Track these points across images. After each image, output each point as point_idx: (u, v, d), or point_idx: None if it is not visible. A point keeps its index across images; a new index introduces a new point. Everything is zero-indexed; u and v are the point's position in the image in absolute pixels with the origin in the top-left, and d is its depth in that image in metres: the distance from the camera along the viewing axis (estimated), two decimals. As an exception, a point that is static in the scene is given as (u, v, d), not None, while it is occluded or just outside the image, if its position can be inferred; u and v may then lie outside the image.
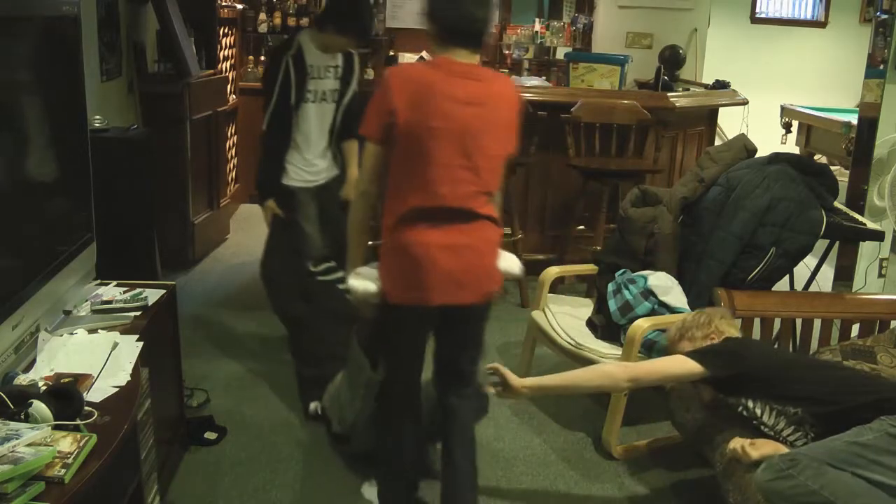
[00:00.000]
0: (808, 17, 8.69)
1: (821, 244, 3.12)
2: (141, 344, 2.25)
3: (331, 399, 2.90)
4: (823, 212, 2.99)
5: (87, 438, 1.73)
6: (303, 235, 3.21)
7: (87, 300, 2.50)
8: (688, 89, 5.57)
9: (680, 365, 2.33)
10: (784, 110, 6.96)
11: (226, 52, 5.83)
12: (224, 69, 5.74)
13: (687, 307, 3.02)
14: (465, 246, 2.20)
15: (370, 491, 2.68)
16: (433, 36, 2.23)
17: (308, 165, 3.23)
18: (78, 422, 1.81)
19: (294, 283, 3.24)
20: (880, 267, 3.91)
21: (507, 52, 7.08)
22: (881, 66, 3.80)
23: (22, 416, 1.76)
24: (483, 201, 2.22)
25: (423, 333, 2.34)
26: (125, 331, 2.33)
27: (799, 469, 1.94)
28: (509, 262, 2.36)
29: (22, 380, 1.96)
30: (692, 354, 2.35)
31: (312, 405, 3.12)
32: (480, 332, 2.42)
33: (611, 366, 2.66)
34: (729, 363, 2.30)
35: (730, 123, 7.29)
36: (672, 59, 6.23)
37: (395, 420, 2.39)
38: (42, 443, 1.68)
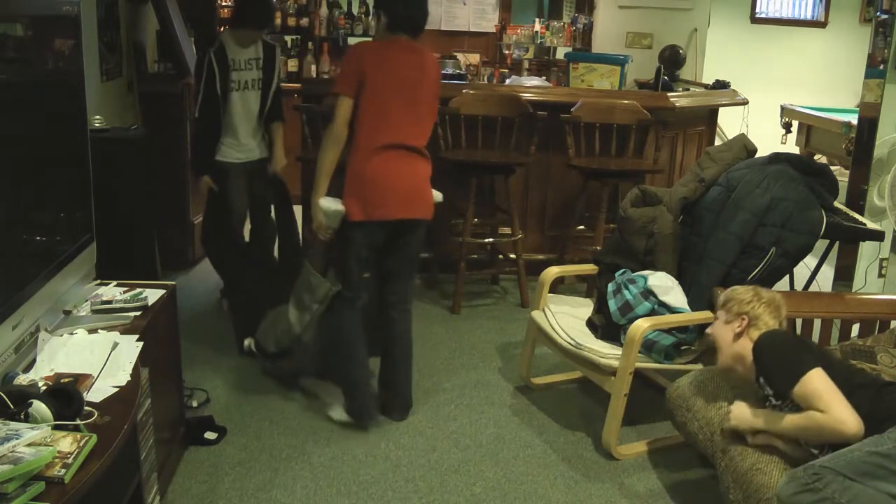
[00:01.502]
0: (808, 17, 8.68)
1: (821, 244, 3.12)
2: (141, 344, 2.25)
3: (264, 330, 3.43)
4: (823, 212, 2.99)
5: (87, 438, 1.73)
6: (231, 205, 3.80)
7: (87, 300, 2.50)
8: (688, 89, 5.57)
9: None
10: (784, 110, 6.96)
11: (226, 52, 5.82)
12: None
13: (687, 307, 3.02)
14: (413, 174, 2.98)
15: (336, 411, 3.14)
16: (384, 24, 2.96)
17: (238, 145, 3.77)
18: (78, 422, 1.81)
19: (227, 244, 3.78)
20: (880, 267, 3.90)
21: (507, 52, 7.07)
22: (881, 66, 3.79)
23: (22, 416, 1.76)
24: (423, 142, 3.00)
25: (374, 246, 3.00)
26: (125, 331, 2.33)
27: (824, 483, 1.91)
28: (435, 193, 3.09)
29: (22, 380, 1.96)
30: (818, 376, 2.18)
31: (246, 342, 3.58)
32: (419, 248, 3.13)
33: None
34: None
35: (730, 123, 7.30)
36: (672, 59, 6.23)
37: (352, 330, 3.04)
38: (42, 443, 1.68)
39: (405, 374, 3.20)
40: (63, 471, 1.62)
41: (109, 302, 2.49)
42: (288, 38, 6.70)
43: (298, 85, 5.57)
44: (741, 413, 2.33)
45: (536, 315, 3.34)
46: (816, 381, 2.14)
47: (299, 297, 3.18)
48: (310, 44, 6.69)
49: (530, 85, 5.11)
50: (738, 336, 2.42)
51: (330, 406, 3.17)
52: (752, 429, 2.29)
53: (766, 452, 2.24)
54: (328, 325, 3.09)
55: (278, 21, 6.56)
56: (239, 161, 3.78)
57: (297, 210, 4.21)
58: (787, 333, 2.50)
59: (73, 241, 2.42)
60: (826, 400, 2.10)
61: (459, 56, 6.95)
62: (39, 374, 2.02)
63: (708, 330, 2.64)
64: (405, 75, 2.92)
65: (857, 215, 3.31)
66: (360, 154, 2.89)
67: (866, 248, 3.87)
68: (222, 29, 4.93)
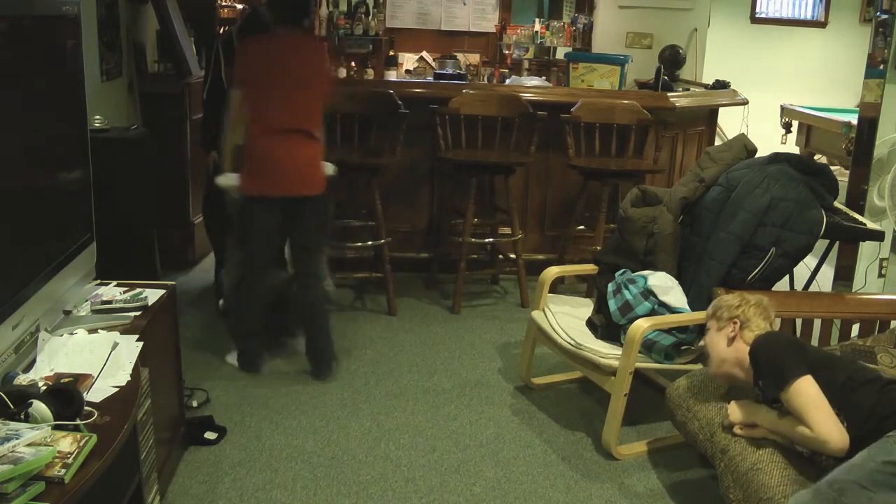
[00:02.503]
0: (808, 17, 8.68)
1: (821, 244, 3.12)
2: (141, 344, 2.25)
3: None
4: (823, 212, 2.99)
5: (87, 438, 1.73)
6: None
7: (87, 300, 2.50)
8: (688, 89, 5.56)
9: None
10: (784, 110, 6.96)
11: (226, 52, 5.82)
12: (224, 69, 5.73)
13: (687, 307, 3.02)
14: (298, 154, 3.29)
15: (231, 356, 3.59)
16: (271, 17, 3.35)
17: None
18: (78, 422, 1.81)
19: (225, 219, 3.78)
20: (880, 267, 3.90)
21: (507, 52, 7.07)
22: (881, 66, 3.79)
23: (22, 416, 1.76)
24: (310, 124, 3.32)
25: (271, 219, 3.32)
26: (125, 331, 2.33)
27: (849, 497, 1.90)
28: (327, 166, 3.42)
29: (22, 380, 1.96)
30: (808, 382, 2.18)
31: (221, 302, 3.95)
32: (320, 221, 3.44)
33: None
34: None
35: (730, 123, 7.30)
36: (672, 59, 6.23)
37: (252, 286, 3.44)
38: (42, 443, 1.68)
39: (325, 340, 3.52)
40: (63, 471, 1.62)
41: (109, 302, 2.49)
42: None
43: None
44: (739, 407, 2.36)
45: (536, 315, 3.34)
46: (803, 392, 2.14)
47: (230, 259, 3.58)
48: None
49: (530, 85, 5.11)
50: (731, 340, 2.45)
51: (229, 352, 3.62)
52: (749, 422, 2.31)
53: (760, 445, 2.25)
54: (237, 284, 3.52)
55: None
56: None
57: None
58: (781, 335, 2.51)
59: (73, 241, 2.42)
60: (811, 413, 2.11)
61: (459, 56, 6.95)
62: (39, 374, 2.02)
63: (700, 342, 2.65)
64: (286, 65, 3.26)
65: (857, 215, 3.31)
66: (249, 137, 3.27)
67: (866, 248, 3.86)
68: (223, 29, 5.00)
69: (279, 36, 3.31)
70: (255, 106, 3.26)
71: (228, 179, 3.32)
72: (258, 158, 3.25)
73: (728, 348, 2.44)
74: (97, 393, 1.98)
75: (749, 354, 2.33)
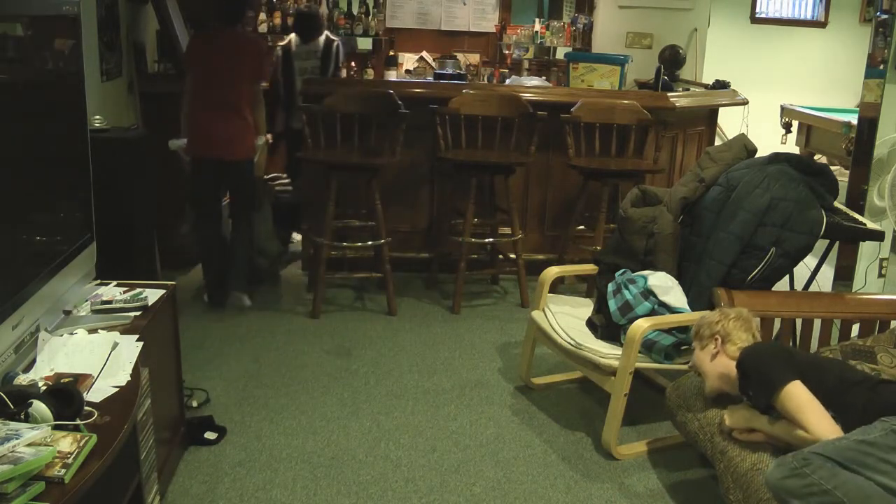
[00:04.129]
0: (808, 17, 8.68)
1: (821, 244, 3.12)
2: (141, 344, 2.25)
3: None
4: (823, 212, 2.98)
5: (87, 438, 1.73)
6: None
7: (87, 300, 2.50)
8: (688, 89, 5.57)
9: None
10: (784, 110, 6.96)
11: (226, 52, 5.83)
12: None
13: (687, 307, 3.02)
14: (226, 126, 4.06)
15: (206, 295, 4.30)
16: (212, 15, 4.23)
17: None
18: (78, 422, 1.81)
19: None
20: (880, 267, 3.90)
21: (507, 52, 7.07)
22: (881, 66, 3.79)
23: (22, 416, 1.76)
24: (239, 104, 4.07)
25: (206, 176, 4.14)
26: (125, 331, 2.33)
27: (812, 468, 1.93)
28: (259, 139, 4.22)
29: (22, 380, 1.96)
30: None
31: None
32: (249, 184, 4.27)
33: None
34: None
35: (730, 123, 7.30)
36: (672, 59, 6.23)
37: (205, 237, 4.28)
38: (42, 443, 1.68)
39: (239, 266, 4.25)
40: (63, 471, 1.62)
41: (109, 302, 2.49)
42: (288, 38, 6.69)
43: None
44: (736, 412, 2.36)
45: (536, 315, 3.34)
46: (794, 396, 2.17)
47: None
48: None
49: (530, 85, 5.11)
50: (714, 356, 2.48)
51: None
52: (746, 427, 2.32)
53: (760, 447, 2.26)
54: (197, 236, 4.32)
55: (278, 21, 6.57)
56: (297, 127, 4.92)
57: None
58: (767, 344, 2.55)
59: (73, 241, 2.42)
60: (805, 415, 2.14)
61: (459, 56, 6.95)
62: (39, 374, 2.02)
63: (688, 365, 2.68)
64: (220, 55, 4.04)
65: (857, 215, 3.31)
66: (190, 111, 4.10)
67: (866, 248, 3.86)
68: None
69: (217, 33, 4.13)
70: (195, 87, 4.07)
71: (175, 142, 4.17)
72: (193, 128, 4.10)
73: (712, 363, 2.48)
74: (97, 393, 1.98)
75: (737, 367, 2.36)
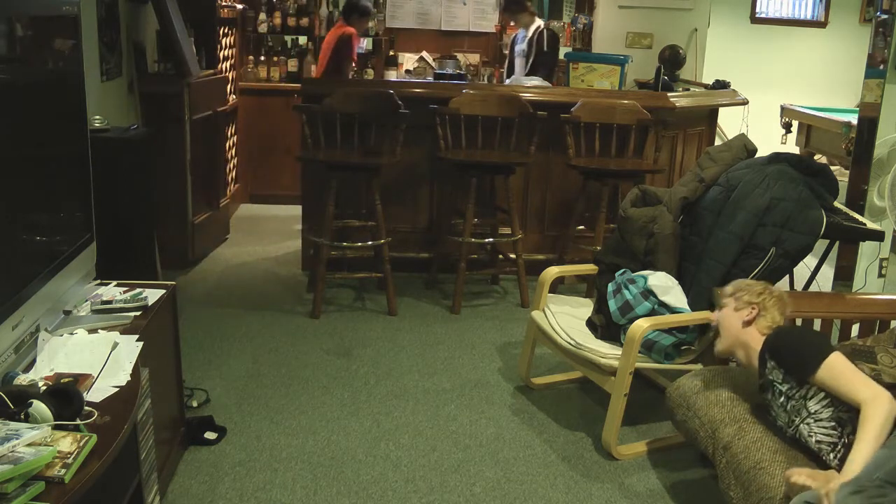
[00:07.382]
0: (808, 17, 8.68)
1: (821, 244, 3.12)
2: (141, 344, 2.24)
3: None
4: (823, 212, 2.98)
5: (87, 438, 1.73)
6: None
7: (87, 300, 2.50)
8: (688, 89, 5.57)
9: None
10: (784, 110, 6.95)
11: (226, 52, 5.83)
12: (224, 69, 5.74)
13: (687, 307, 3.02)
14: None
15: None
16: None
17: None
18: (78, 422, 1.81)
19: None
20: (880, 267, 3.90)
21: (506, 51, 7.06)
22: (881, 66, 3.79)
23: (22, 416, 1.76)
24: None
25: None
26: (125, 331, 2.33)
27: (891, 500, 1.83)
28: None
29: (22, 380, 1.96)
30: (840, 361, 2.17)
31: None
32: None
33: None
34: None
35: (730, 123, 7.29)
36: (672, 59, 6.23)
37: None
38: (42, 443, 1.68)
39: None
40: (63, 471, 1.62)
41: (109, 302, 2.49)
42: (288, 38, 6.70)
43: (298, 85, 5.57)
44: (816, 475, 2.07)
45: (536, 315, 3.34)
46: (837, 365, 2.16)
47: None
48: (310, 44, 6.69)
49: (530, 85, 5.11)
50: (746, 324, 2.46)
51: None
52: (828, 489, 1.95)
53: (762, 445, 2.25)
54: None
55: (278, 21, 6.57)
56: None
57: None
58: (796, 326, 2.53)
59: (73, 241, 2.42)
60: (855, 381, 2.12)
61: (459, 56, 6.95)
62: (39, 374, 2.02)
63: (713, 315, 2.66)
64: None
65: (857, 215, 3.31)
66: None
67: (866, 248, 3.86)
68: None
69: None
70: None
71: None
72: None
73: (741, 329, 2.46)
74: (97, 393, 1.98)
75: (767, 349, 2.34)
